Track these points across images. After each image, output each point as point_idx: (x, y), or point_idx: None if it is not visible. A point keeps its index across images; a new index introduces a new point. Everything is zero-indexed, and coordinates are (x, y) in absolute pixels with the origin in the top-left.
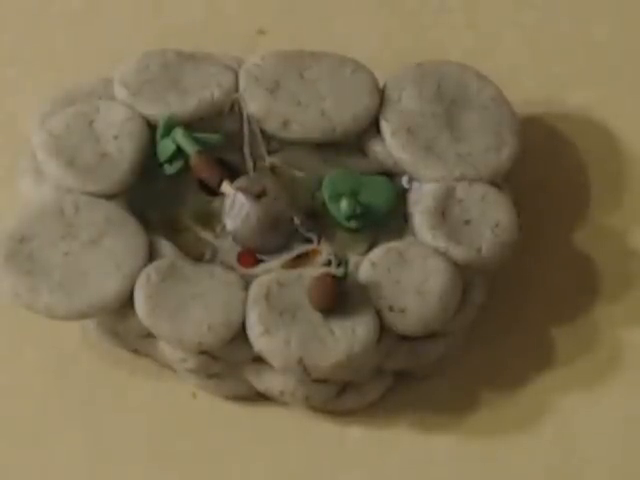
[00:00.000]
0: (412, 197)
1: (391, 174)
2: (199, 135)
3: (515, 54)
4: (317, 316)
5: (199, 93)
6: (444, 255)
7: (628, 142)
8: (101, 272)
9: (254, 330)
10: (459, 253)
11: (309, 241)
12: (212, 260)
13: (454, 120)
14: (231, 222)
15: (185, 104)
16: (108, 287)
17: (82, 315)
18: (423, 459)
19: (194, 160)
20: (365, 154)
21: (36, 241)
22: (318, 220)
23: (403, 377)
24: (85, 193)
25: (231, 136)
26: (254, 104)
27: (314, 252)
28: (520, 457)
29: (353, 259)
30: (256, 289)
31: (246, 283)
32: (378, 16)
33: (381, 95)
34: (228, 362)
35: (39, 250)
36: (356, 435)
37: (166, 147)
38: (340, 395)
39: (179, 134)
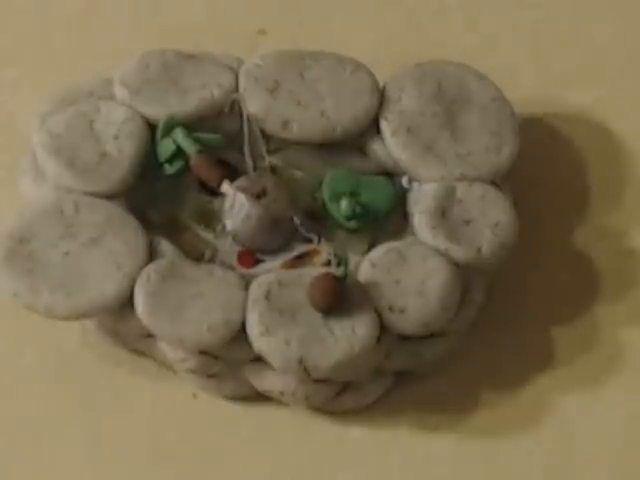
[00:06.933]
0: (412, 197)
1: (391, 174)
2: (199, 135)
3: (515, 54)
4: (317, 316)
5: (199, 93)
6: (444, 255)
7: (628, 142)
8: (101, 272)
9: (254, 330)
10: (459, 253)
11: (309, 241)
12: (212, 260)
13: (454, 120)
14: (231, 222)
15: (185, 104)
16: (108, 287)
17: (82, 315)
18: (423, 459)
19: (194, 160)
20: (365, 154)
21: (36, 241)
22: (318, 220)
23: (403, 377)
24: (85, 193)
25: (231, 136)
26: (254, 104)
27: (314, 252)
28: (520, 457)
29: (353, 259)
30: (256, 289)
31: (246, 283)
32: (378, 16)
33: (381, 95)
34: (228, 362)
35: (39, 250)
36: (356, 435)
37: (166, 147)
38: (340, 395)
39: (179, 134)
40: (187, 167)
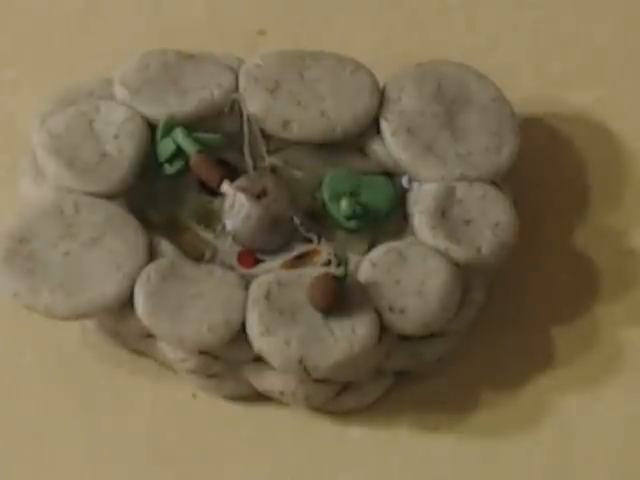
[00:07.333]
0: (412, 197)
1: (391, 174)
2: (199, 135)
3: (515, 54)
4: (317, 316)
5: (199, 93)
6: (444, 255)
7: (628, 142)
8: (101, 272)
9: (254, 330)
10: (459, 253)
11: (309, 241)
12: (212, 260)
13: (454, 120)
14: (231, 222)
15: (185, 104)
16: (108, 287)
17: (82, 315)
18: (423, 459)
19: (194, 160)
20: (365, 154)
21: (36, 241)
22: (318, 220)
23: (403, 377)
24: (85, 193)
25: (231, 136)
26: (254, 104)
27: (314, 252)
28: (520, 457)
29: (353, 259)
30: (256, 289)
31: (246, 283)
32: (378, 16)
33: (381, 95)
34: (228, 362)
35: (39, 250)
36: (356, 435)
37: (166, 147)
38: (340, 395)
39: (179, 134)
40: (187, 167)
